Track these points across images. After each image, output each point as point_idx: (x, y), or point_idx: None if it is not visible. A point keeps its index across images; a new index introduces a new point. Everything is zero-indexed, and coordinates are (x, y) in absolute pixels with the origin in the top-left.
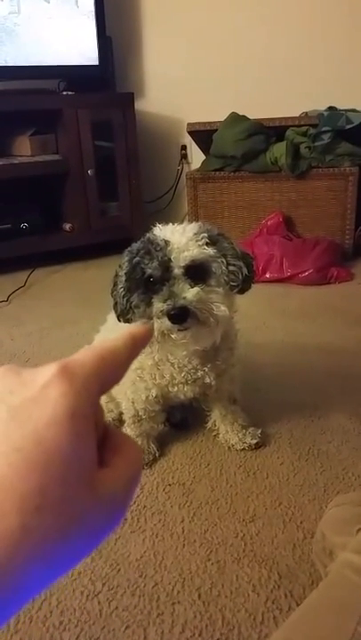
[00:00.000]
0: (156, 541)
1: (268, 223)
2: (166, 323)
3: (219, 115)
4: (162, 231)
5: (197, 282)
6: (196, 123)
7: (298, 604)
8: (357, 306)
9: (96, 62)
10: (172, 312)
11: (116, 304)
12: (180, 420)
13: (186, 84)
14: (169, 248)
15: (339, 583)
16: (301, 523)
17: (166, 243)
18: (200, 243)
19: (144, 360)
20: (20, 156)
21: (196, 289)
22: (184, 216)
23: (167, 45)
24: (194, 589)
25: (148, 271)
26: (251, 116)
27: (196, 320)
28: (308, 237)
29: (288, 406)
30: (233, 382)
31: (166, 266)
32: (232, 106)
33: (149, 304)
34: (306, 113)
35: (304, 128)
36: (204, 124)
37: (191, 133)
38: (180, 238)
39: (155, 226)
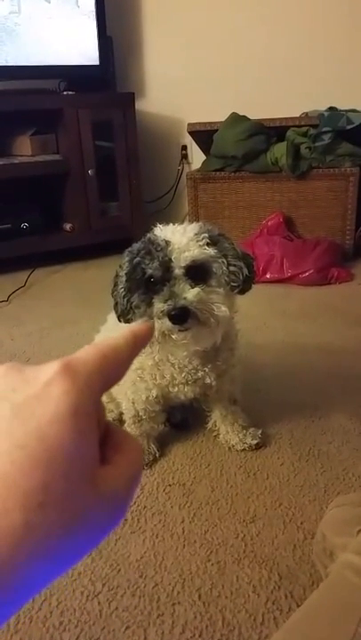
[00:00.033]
0: (157, 542)
1: (269, 223)
2: (167, 323)
3: (219, 115)
4: (162, 231)
5: (198, 282)
6: (196, 123)
7: (298, 605)
8: (358, 306)
9: (97, 62)
10: (173, 312)
11: (116, 304)
12: (180, 420)
13: (186, 85)
14: (170, 248)
15: (339, 584)
16: (302, 523)
17: (167, 243)
18: (201, 243)
19: (144, 360)
20: (21, 155)
21: (196, 289)
22: (184, 216)
23: (168, 45)
24: (194, 590)
25: (149, 271)
26: (251, 117)
27: (196, 320)
28: (308, 238)
29: (288, 407)
30: (233, 383)
31: (167, 266)
32: (233, 106)
33: (150, 304)
34: (306, 113)
35: (305, 128)
36: (205, 124)
37: (192, 133)
38: (180, 238)
39: (155, 226)
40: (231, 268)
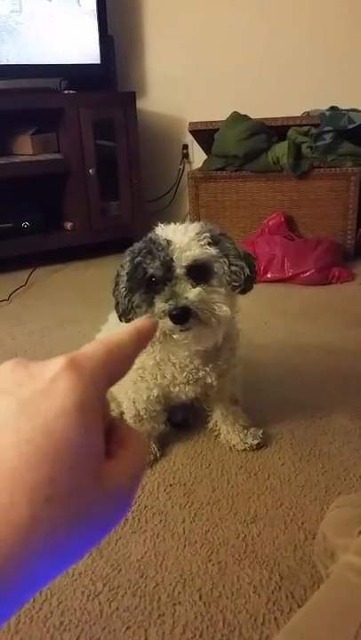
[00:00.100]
0: (157, 542)
1: (270, 223)
2: (168, 323)
3: (220, 114)
4: (164, 231)
5: (199, 282)
6: (197, 122)
7: (299, 606)
8: (359, 306)
9: (98, 61)
10: (174, 312)
11: (117, 304)
12: (181, 420)
13: (187, 84)
14: (171, 248)
15: (340, 585)
16: (303, 524)
17: (168, 242)
18: (202, 242)
19: (146, 360)
20: (22, 154)
21: (198, 289)
22: (185, 215)
23: (169, 45)
24: (195, 590)
25: (150, 271)
26: (252, 116)
27: (197, 320)
28: (309, 237)
29: (289, 407)
30: (234, 383)
31: (168, 266)
32: (234, 105)
33: (151, 304)
34: (308, 113)
35: (306, 128)
36: (206, 123)
37: (193, 133)
38: (182, 238)
39: (156, 225)
40: (233, 268)
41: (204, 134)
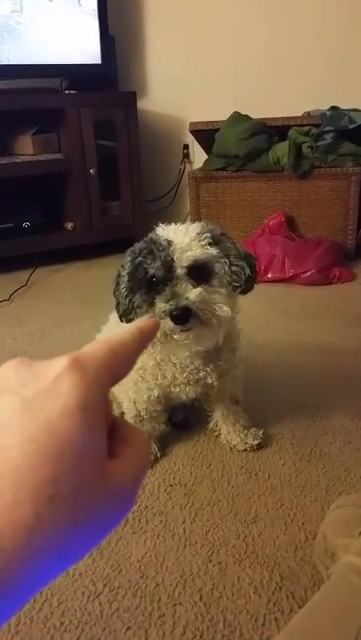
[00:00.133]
0: (158, 542)
1: (271, 223)
2: (169, 323)
3: (221, 114)
4: (164, 231)
5: (200, 282)
6: (198, 122)
7: (300, 606)
8: (359, 306)
9: (99, 61)
10: (175, 312)
11: (118, 304)
12: (181, 420)
13: (188, 84)
14: (172, 248)
15: (341, 586)
16: (303, 524)
17: (169, 243)
18: (203, 243)
19: (146, 360)
20: (23, 154)
21: (198, 289)
22: (186, 215)
23: (170, 45)
24: (195, 591)
25: (151, 271)
26: (253, 116)
27: (198, 321)
28: (310, 237)
29: (290, 407)
30: (235, 383)
31: (169, 266)
32: (234, 105)
33: (152, 304)
34: (308, 112)
35: (307, 128)
36: (207, 123)
37: (193, 133)
38: (182, 238)
39: (157, 225)
40: (233, 268)
41: (205, 134)
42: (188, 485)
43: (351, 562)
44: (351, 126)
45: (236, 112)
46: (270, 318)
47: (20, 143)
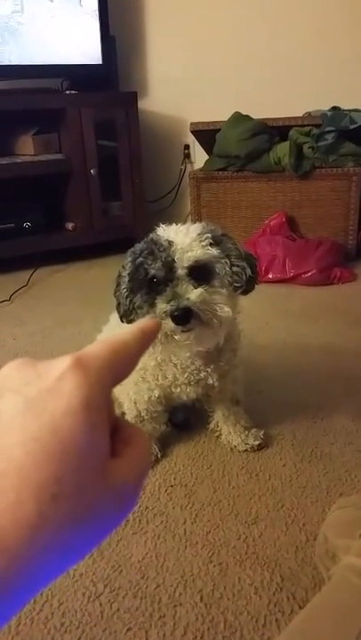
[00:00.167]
0: (158, 543)
1: (272, 223)
2: (170, 324)
3: (222, 114)
4: (165, 231)
5: (201, 283)
6: (199, 122)
7: (300, 607)
8: (360, 307)
9: (99, 61)
10: (176, 313)
11: (119, 305)
12: (182, 420)
13: (189, 84)
14: (172, 248)
15: (342, 587)
16: (304, 525)
17: (170, 243)
18: (204, 243)
19: (147, 361)
20: (23, 155)
21: (199, 290)
22: (187, 216)
23: (171, 45)
24: (196, 591)
25: (152, 272)
26: (254, 116)
27: (199, 321)
28: (311, 238)
29: (291, 407)
30: (236, 383)
31: (170, 266)
32: (235, 105)
33: (153, 305)
34: (309, 113)
35: (307, 128)
36: (208, 123)
37: (194, 133)
38: (183, 239)
39: (158, 226)
40: (234, 269)
41: (206, 134)
42: (189, 486)
43: (352, 563)
44: (352, 126)
45: (236, 112)
46: (271, 319)
47: (21, 143)
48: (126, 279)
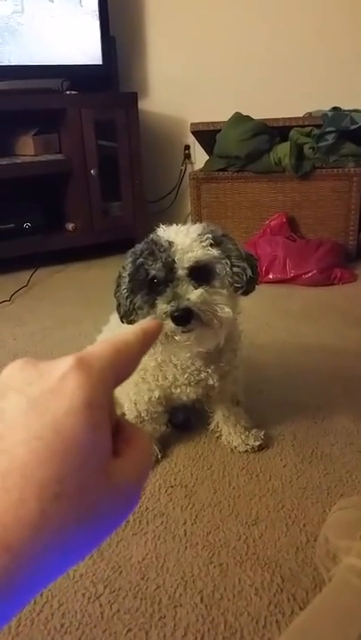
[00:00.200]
0: (158, 544)
1: (272, 224)
2: (170, 324)
3: (222, 115)
4: (166, 232)
5: (201, 283)
6: (199, 123)
7: (301, 608)
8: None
9: (100, 62)
10: (176, 314)
11: (119, 305)
12: (182, 421)
13: (189, 84)
14: (173, 249)
15: (343, 588)
16: (304, 526)
17: (170, 244)
18: (204, 244)
19: (147, 361)
20: (23, 155)
21: (200, 290)
22: (187, 216)
23: (171, 45)
24: (196, 592)
25: (152, 272)
26: (254, 116)
27: (199, 322)
28: (311, 238)
29: (291, 408)
30: (236, 384)
31: (170, 267)
32: (236, 106)
33: (153, 305)
34: (310, 113)
35: (308, 128)
36: (208, 123)
37: (195, 133)
38: (184, 239)
39: (158, 226)
40: (235, 269)
41: (206, 135)
42: (189, 487)
43: (353, 564)
44: (353, 127)
45: (237, 113)
46: (271, 319)
47: (21, 144)
48: (126, 280)
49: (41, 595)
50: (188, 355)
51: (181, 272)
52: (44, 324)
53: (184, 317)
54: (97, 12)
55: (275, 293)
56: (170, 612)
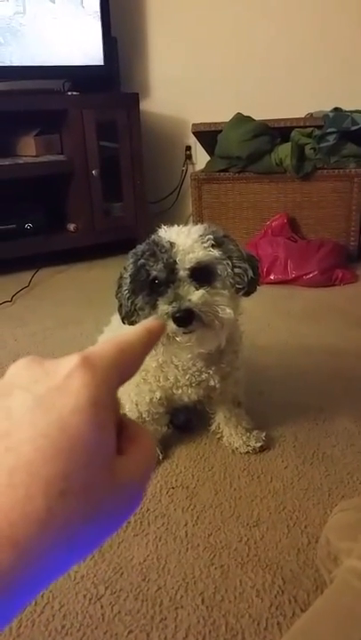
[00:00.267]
0: (160, 545)
1: (273, 224)
2: (171, 325)
3: (224, 115)
4: (167, 233)
5: (203, 284)
6: (200, 123)
7: (302, 610)
8: None
9: (101, 62)
10: (177, 315)
11: (120, 306)
12: (183, 422)
13: (191, 85)
14: (174, 250)
15: (344, 590)
16: (306, 527)
17: (171, 244)
18: (205, 245)
19: (148, 362)
20: (25, 156)
21: (201, 291)
22: (188, 217)
23: (172, 46)
24: (197, 594)
25: (153, 273)
26: (256, 117)
27: (201, 323)
28: (312, 239)
29: (292, 409)
30: (237, 385)
31: (171, 268)
32: (237, 106)
33: (154, 306)
34: (311, 114)
35: (309, 129)
36: (209, 124)
37: (196, 134)
38: (185, 240)
39: (159, 227)
40: (236, 270)
41: (208, 135)
42: (190, 488)
43: (354, 566)
44: (354, 128)
45: (238, 113)
46: (273, 320)
47: (23, 144)
48: (128, 280)
49: (42, 596)
50: (190, 356)
51: (183, 273)
52: (45, 325)
53: (185, 318)
54: (98, 13)
55: (276, 294)
56: (171, 614)
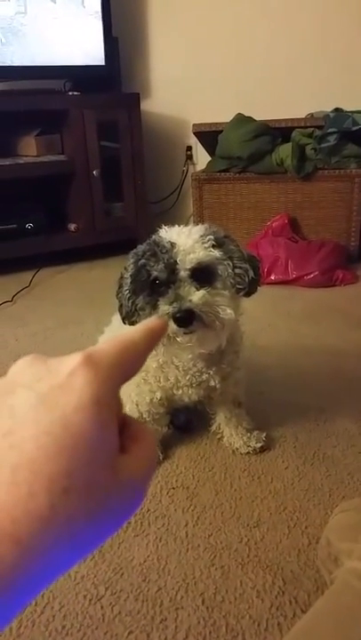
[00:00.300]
0: (160, 545)
1: (274, 225)
2: (172, 326)
3: (224, 116)
4: (168, 233)
5: (203, 284)
6: (201, 124)
7: (303, 611)
8: None
9: (102, 62)
10: (178, 315)
11: (121, 306)
12: (184, 422)
13: (192, 85)
14: (175, 250)
15: (345, 591)
16: (306, 528)
17: (172, 245)
18: (206, 245)
19: (149, 363)
20: (26, 156)
21: (201, 292)
22: (189, 217)
23: (173, 46)
24: (198, 595)
25: (154, 273)
26: (256, 117)
27: (201, 323)
28: (313, 239)
29: (293, 409)
30: (238, 385)
31: (172, 268)
32: (238, 107)
33: (155, 307)
34: (312, 114)
35: (310, 129)
36: (210, 124)
37: (197, 134)
38: (186, 240)
39: (160, 227)
40: (237, 271)
41: (208, 136)
42: (191, 488)
43: (354, 567)
44: (355, 128)
45: (239, 114)
46: (273, 320)
47: (24, 144)
48: (128, 281)
49: (42, 596)
50: (190, 356)
51: (183, 273)
52: (45, 325)
53: (186, 319)
54: (99, 13)
55: (276, 295)
56: (171, 615)
